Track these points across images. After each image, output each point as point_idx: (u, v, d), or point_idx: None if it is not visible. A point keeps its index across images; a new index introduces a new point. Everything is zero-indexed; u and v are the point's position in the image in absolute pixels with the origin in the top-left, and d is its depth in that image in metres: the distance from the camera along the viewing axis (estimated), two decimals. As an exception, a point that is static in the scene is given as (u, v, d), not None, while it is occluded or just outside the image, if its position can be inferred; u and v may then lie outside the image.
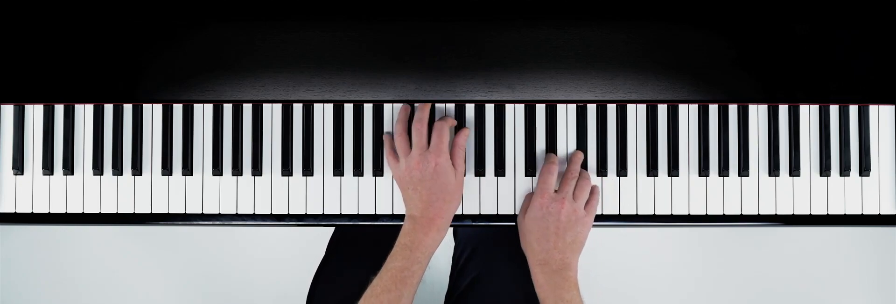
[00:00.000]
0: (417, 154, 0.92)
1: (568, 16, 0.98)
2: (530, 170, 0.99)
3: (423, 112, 0.96)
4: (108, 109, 1.00)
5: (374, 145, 0.99)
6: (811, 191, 0.99)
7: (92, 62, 0.99)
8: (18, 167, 1.00)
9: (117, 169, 0.99)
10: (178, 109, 1.00)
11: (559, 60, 0.98)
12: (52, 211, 1.00)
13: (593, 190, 0.97)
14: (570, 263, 0.91)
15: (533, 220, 0.92)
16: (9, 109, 1.01)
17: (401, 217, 0.99)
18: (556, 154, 0.98)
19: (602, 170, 0.99)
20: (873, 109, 1.00)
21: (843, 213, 0.99)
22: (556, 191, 0.95)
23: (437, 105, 0.99)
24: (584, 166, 0.99)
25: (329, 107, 1.00)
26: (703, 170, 0.99)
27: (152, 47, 0.99)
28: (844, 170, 0.99)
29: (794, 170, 0.99)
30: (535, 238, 0.91)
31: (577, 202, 0.93)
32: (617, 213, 0.99)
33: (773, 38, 0.98)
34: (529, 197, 0.96)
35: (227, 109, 1.00)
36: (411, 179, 0.92)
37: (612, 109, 0.99)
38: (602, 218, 0.99)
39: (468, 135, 0.98)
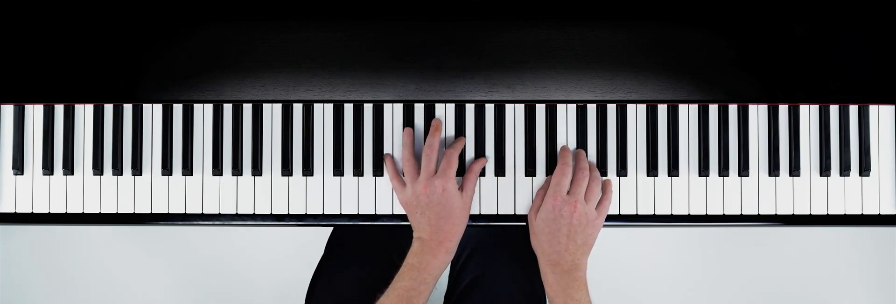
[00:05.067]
0: (425, 179, 0.93)
1: (568, 16, 0.98)
2: (530, 170, 0.99)
3: (433, 138, 0.96)
4: (108, 109, 1.00)
5: (374, 145, 0.99)
6: (811, 191, 0.99)
7: (92, 62, 0.99)
8: (18, 167, 1.00)
9: (117, 169, 0.99)
10: (178, 109, 1.00)
11: (559, 59, 0.98)
12: (52, 211, 1.00)
13: (606, 188, 0.97)
14: (579, 264, 0.91)
15: (544, 221, 0.92)
16: (9, 109, 1.01)
17: (401, 217, 0.99)
18: (569, 149, 0.98)
19: (602, 170, 0.99)
20: (873, 109, 1.00)
21: (843, 213, 0.99)
22: (567, 192, 0.94)
23: (436, 106, 0.99)
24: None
25: (329, 107, 1.00)
26: (703, 170, 0.99)
27: (152, 47, 0.99)
28: (844, 170, 0.99)
29: (794, 170, 0.99)
30: (546, 240, 0.91)
31: (588, 205, 0.93)
32: (617, 213, 0.99)
33: (773, 38, 0.98)
34: (541, 194, 0.95)
35: (227, 109, 1.00)
36: (418, 203, 0.93)
37: (612, 109, 0.99)
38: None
39: (483, 164, 0.98)
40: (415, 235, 0.94)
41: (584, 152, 0.98)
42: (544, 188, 0.96)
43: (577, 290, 0.91)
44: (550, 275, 0.91)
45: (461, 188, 0.95)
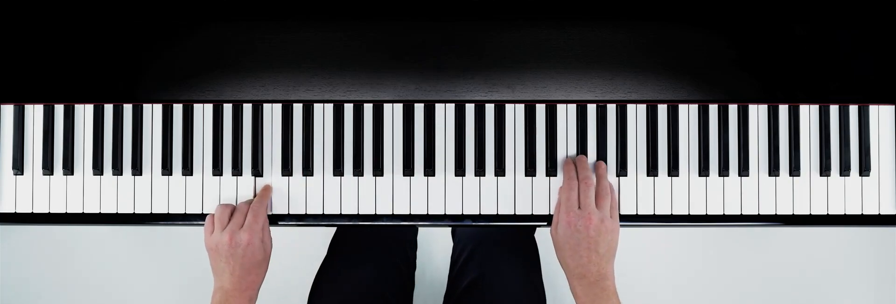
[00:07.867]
0: (232, 230, 0.92)
1: (568, 16, 0.98)
2: (530, 170, 0.99)
3: (256, 198, 0.96)
4: (108, 109, 1.00)
5: (374, 145, 0.99)
6: (811, 191, 0.99)
7: (92, 62, 0.99)
8: (18, 167, 1.00)
9: (117, 169, 0.99)
10: (178, 109, 1.00)
11: (559, 59, 0.98)
12: (52, 211, 1.00)
13: (610, 191, 0.96)
14: (605, 273, 0.91)
15: (563, 237, 0.91)
16: (9, 109, 1.01)
17: (401, 217, 0.99)
18: (571, 160, 0.97)
19: (602, 170, 0.99)
20: (873, 109, 1.00)
21: (843, 213, 0.99)
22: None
23: (436, 106, 0.99)
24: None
25: (329, 107, 1.00)
26: (703, 170, 0.99)
27: (152, 47, 0.99)
28: (844, 170, 0.99)
29: (794, 170, 0.99)
30: (569, 254, 0.91)
31: (602, 212, 0.92)
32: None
33: (773, 38, 0.98)
34: (559, 210, 0.94)
35: (227, 109, 1.00)
36: (221, 253, 0.92)
37: (612, 109, 0.99)
38: (602, 218, 0.99)
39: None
40: (216, 285, 0.94)
41: (584, 157, 0.97)
42: (559, 203, 0.95)
43: (606, 299, 0.90)
44: (578, 288, 0.91)
45: (264, 240, 0.95)
